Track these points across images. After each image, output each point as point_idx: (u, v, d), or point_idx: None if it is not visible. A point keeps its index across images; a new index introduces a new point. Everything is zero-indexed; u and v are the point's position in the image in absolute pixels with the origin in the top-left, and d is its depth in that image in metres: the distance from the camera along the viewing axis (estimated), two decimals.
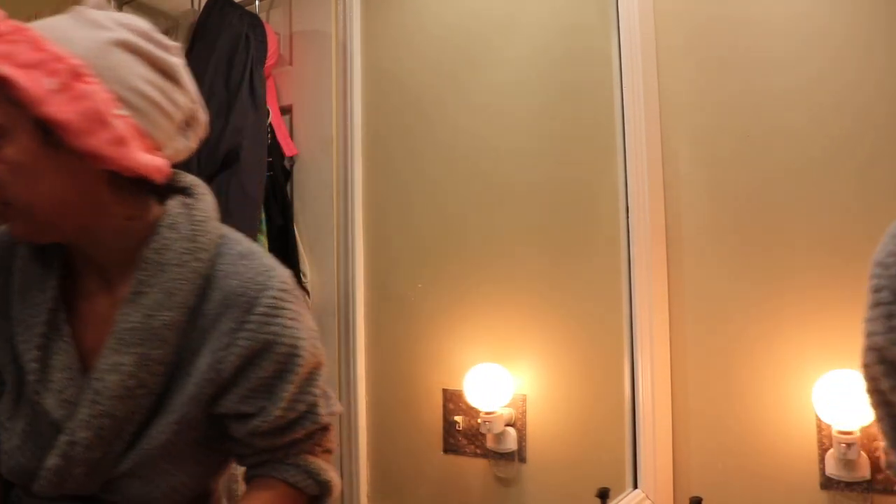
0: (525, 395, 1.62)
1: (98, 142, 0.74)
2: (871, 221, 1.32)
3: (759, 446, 1.38)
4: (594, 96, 1.58)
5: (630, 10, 1.50)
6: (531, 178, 1.64)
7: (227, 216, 1.68)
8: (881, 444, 1.25)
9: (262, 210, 1.80)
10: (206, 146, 1.67)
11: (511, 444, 1.61)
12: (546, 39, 1.64)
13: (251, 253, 0.88)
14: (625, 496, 1.43)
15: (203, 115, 0.87)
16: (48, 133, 0.73)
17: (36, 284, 0.86)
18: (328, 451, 0.95)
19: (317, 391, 0.90)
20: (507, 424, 1.62)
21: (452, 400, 1.71)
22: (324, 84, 1.90)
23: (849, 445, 1.24)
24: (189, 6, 1.94)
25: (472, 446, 1.68)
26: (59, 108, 0.72)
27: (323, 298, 1.88)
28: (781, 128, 1.41)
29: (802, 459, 1.34)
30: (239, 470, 1.01)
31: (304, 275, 1.88)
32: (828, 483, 1.30)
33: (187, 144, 0.86)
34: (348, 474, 1.81)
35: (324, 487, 0.92)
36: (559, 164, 1.62)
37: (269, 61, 1.86)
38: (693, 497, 1.39)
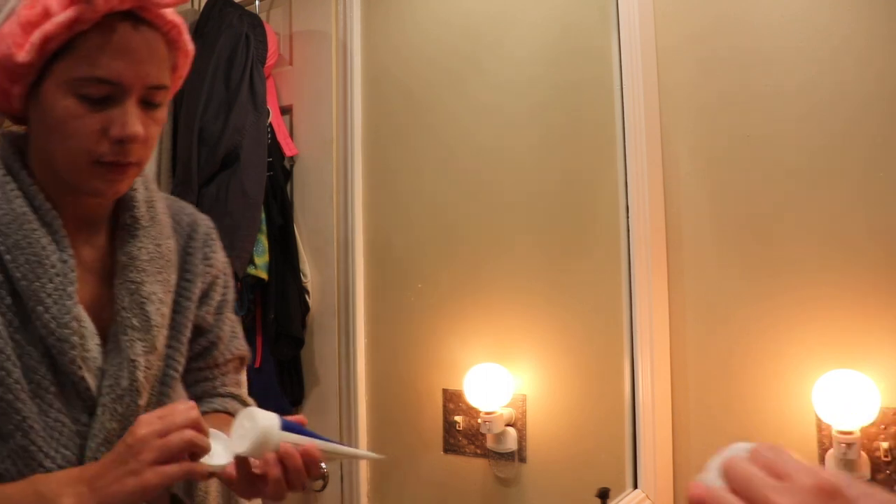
0: (525, 395, 1.62)
1: None
2: (872, 221, 1.32)
3: None
4: (594, 96, 1.58)
5: (630, 10, 1.50)
6: (531, 178, 1.64)
7: (227, 216, 1.70)
8: (881, 444, 1.25)
9: (263, 210, 1.80)
10: (206, 146, 1.68)
11: (511, 444, 1.61)
12: (546, 39, 1.64)
13: (171, 196, 0.99)
14: (625, 496, 1.43)
15: None
16: None
17: (43, 256, 0.77)
18: (238, 384, 1.03)
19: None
20: (507, 424, 1.62)
21: (452, 400, 1.71)
22: (324, 84, 1.90)
23: (849, 445, 1.24)
24: (189, 6, 1.94)
25: (472, 446, 1.68)
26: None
27: (323, 298, 1.88)
28: (781, 127, 1.41)
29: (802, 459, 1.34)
30: None
31: (304, 275, 1.88)
32: None
33: None
34: (348, 474, 1.81)
35: None
36: (559, 164, 1.62)
37: (269, 61, 1.86)
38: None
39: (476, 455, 1.67)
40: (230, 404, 0.96)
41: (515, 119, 1.67)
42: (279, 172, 1.87)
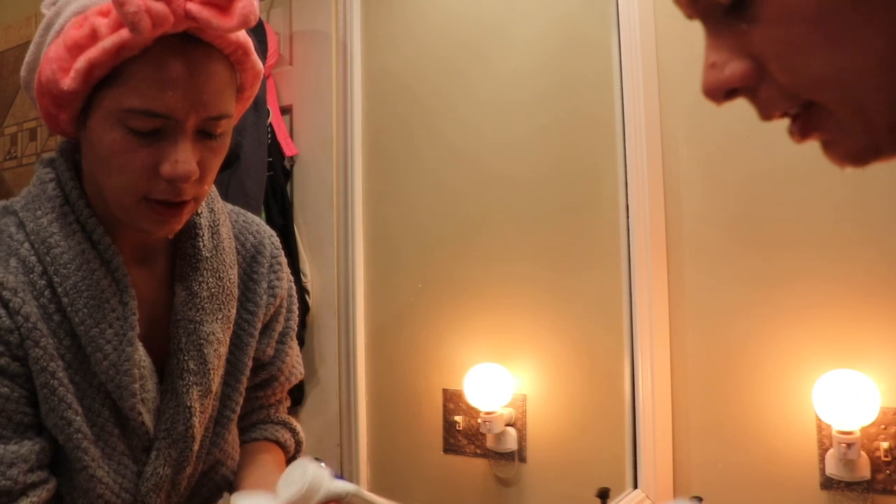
0: (525, 395, 1.62)
1: None
2: (871, 222, 1.32)
3: (759, 446, 1.38)
4: (594, 95, 1.58)
5: (630, 8, 1.50)
6: (531, 178, 1.64)
7: None
8: (881, 444, 1.25)
9: (263, 210, 1.80)
10: None
11: (511, 444, 1.61)
12: (546, 39, 1.64)
13: (237, 209, 0.92)
14: (625, 496, 1.43)
15: None
16: None
17: (102, 299, 0.72)
18: (287, 408, 1.01)
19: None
20: (507, 424, 1.62)
21: (452, 400, 1.71)
22: (324, 84, 1.90)
23: (849, 445, 1.24)
24: None
25: (472, 446, 1.68)
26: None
27: (323, 298, 1.88)
28: (782, 127, 1.41)
29: (802, 459, 1.34)
30: None
31: (304, 275, 1.88)
32: (828, 483, 1.30)
33: None
34: (348, 474, 1.81)
35: (299, 445, 0.97)
36: (559, 164, 1.62)
37: (269, 61, 1.86)
38: (693, 497, 1.39)
39: (476, 455, 1.67)
40: (281, 433, 0.93)
41: (515, 118, 1.67)
42: (279, 172, 1.87)
